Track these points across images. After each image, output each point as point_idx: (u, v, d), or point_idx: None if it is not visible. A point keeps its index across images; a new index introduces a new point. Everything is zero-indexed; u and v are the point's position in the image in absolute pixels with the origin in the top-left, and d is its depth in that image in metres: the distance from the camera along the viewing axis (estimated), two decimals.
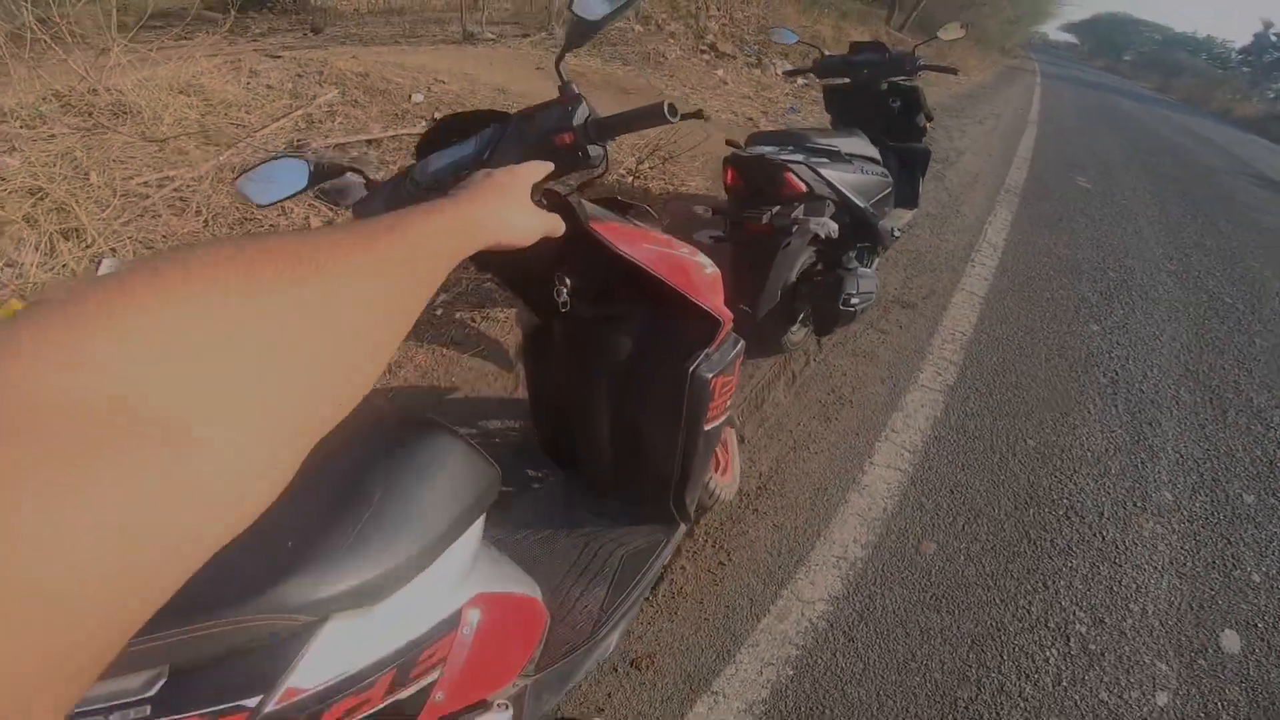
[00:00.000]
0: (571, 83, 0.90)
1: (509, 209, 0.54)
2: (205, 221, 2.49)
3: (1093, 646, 1.49)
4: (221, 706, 0.52)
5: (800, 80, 6.54)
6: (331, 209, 2.72)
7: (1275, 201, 6.94)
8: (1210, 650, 1.53)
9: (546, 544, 1.24)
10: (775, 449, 1.91)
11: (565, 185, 0.99)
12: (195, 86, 3.08)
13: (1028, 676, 1.41)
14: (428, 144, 0.99)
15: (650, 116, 0.86)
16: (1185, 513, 1.93)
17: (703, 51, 6.66)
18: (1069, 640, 1.49)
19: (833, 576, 1.57)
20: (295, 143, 2.95)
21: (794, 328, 2.21)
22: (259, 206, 1.08)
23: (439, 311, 2.28)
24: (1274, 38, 47.72)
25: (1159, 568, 1.72)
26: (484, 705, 0.79)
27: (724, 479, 1.56)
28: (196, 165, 2.62)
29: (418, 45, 5.93)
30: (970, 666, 1.41)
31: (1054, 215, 4.54)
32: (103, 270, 2.20)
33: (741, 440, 1.89)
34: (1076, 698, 1.38)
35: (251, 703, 0.53)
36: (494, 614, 0.76)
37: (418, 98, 3.73)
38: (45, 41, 2.90)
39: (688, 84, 5.93)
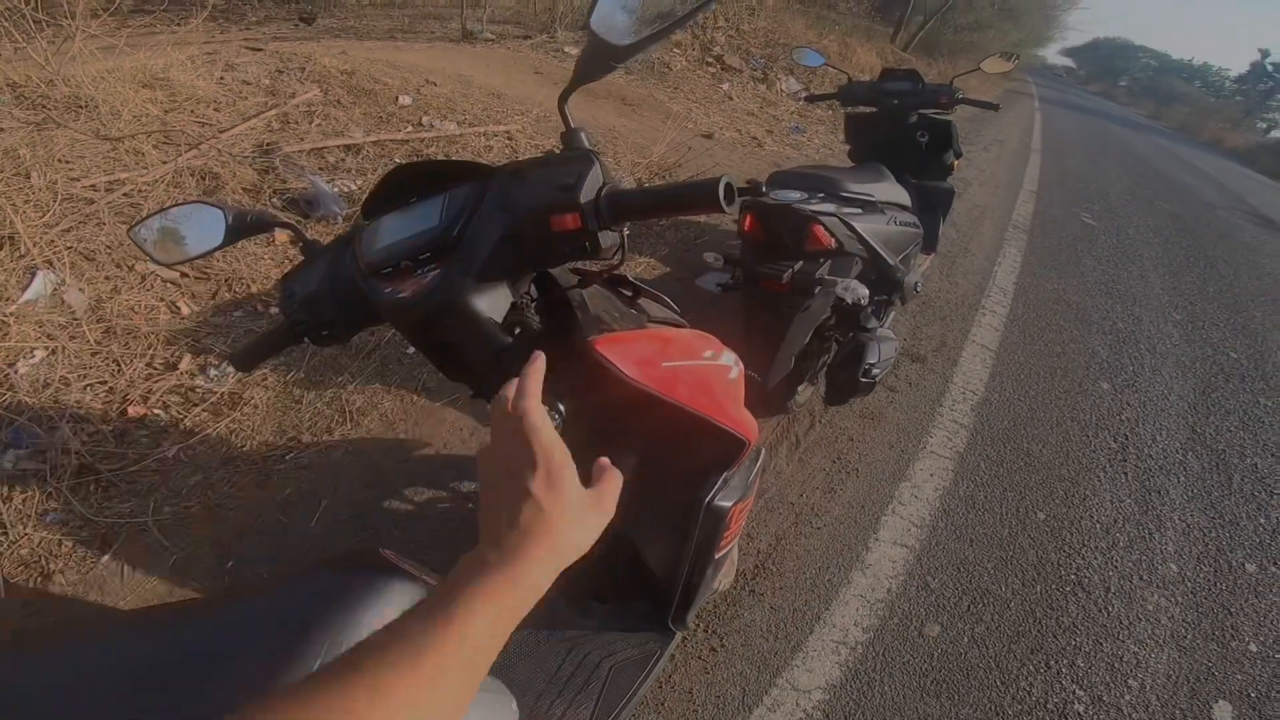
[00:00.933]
0: (581, 131, 0.68)
1: (565, 537, 0.44)
2: None
3: None
4: None
5: (815, 104, 6.41)
6: (301, 219, 2.51)
7: (1271, 241, 6.93)
8: None
9: (525, 645, 1.08)
10: (775, 524, 1.74)
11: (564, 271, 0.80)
12: (162, 80, 2.85)
13: None
14: (379, 200, 0.79)
15: (697, 198, 0.61)
16: (1189, 584, 1.86)
17: (709, 63, 6.50)
18: None
19: (831, 663, 1.45)
20: (265, 145, 2.73)
21: (801, 386, 2.03)
22: (159, 264, 0.89)
23: (410, 350, 2.08)
24: (1269, 67, 48.48)
25: (1160, 641, 1.66)
26: None
27: (723, 569, 1.39)
28: (152, 168, 2.39)
29: (414, 41, 5.73)
30: None
31: (1062, 256, 4.44)
32: (34, 287, 1.97)
33: None
34: None
35: None
36: None
37: (405, 100, 3.52)
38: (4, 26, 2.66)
39: (692, 97, 5.76)
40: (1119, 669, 1.57)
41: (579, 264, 0.76)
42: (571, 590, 1.17)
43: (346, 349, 2.05)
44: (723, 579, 1.40)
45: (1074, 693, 1.50)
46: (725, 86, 6.34)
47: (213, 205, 0.82)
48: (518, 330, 0.72)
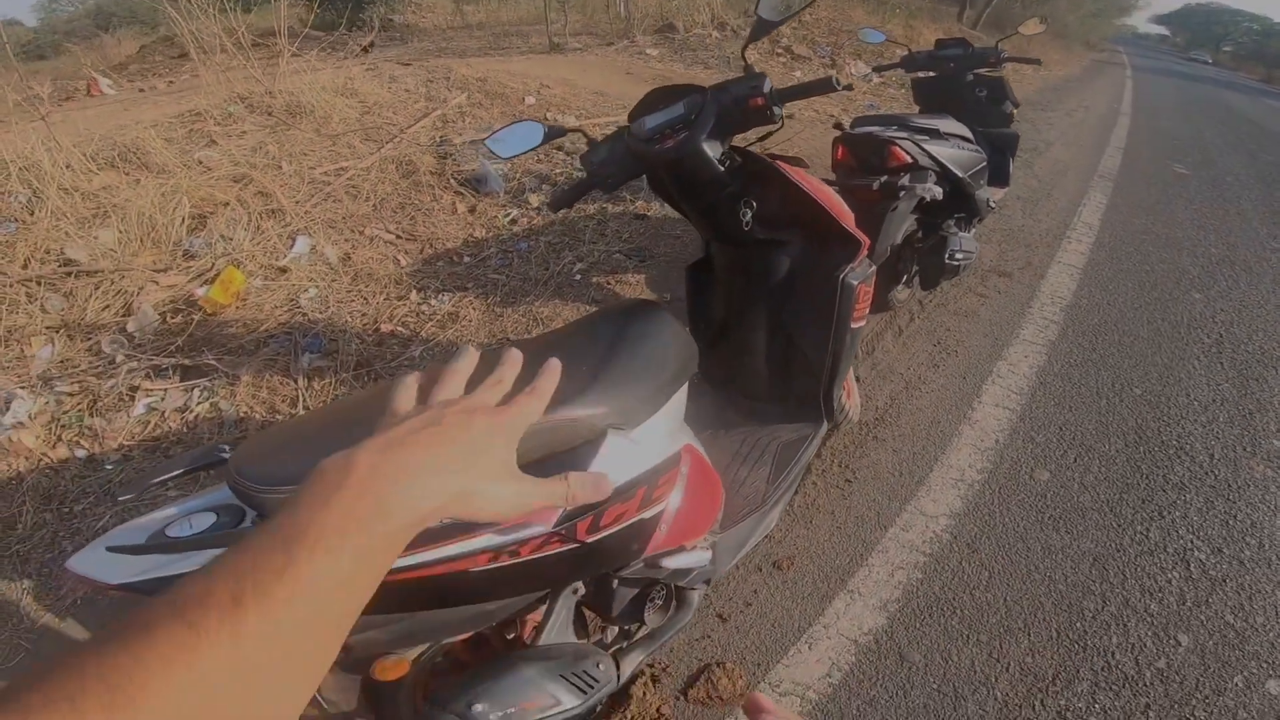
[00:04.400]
0: (754, 65, 1.19)
1: (477, 472, 0.36)
2: (374, 205, 2.93)
3: (1213, 573, 1.57)
4: None
5: (877, 79, 6.65)
6: (474, 194, 3.12)
7: None
8: None
9: (710, 442, 1.44)
10: (888, 388, 2.10)
11: (744, 140, 1.26)
12: (350, 90, 3.58)
13: (1152, 595, 1.49)
14: (640, 110, 1.26)
15: (820, 87, 1.17)
16: None
17: (779, 54, 6.89)
18: (1189, 565, 1.57)
19: (952, 496, 1.72)
20: (438, 138, 3.39)
21: (899, 287, 2.40)
22: (501, 159, 1.39)
23: (578, 277, 2.61)
24: None
25: (1274, 508, 1.77)
26: (685, 549, 1.00)
27: (850, 401, 1.77)
28: (363, 157, 3.08)
29: (508, 55, 6.43)
30: (1094, 582, 1.51)
31: (1151, 200, 4.48)
32: (296, 247, 2.64)
33: (858, 379, 2.10)
34: (1203, 618, 1.45)
35: None
36: (696, 468, 0.96)
37: (530, 100, 4.14)
38: (229, 49, 3.45)
39: None
40: (1234, 527, 1.68)
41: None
42: (741, 397, 1.56)
43: (529, 280, 2.60)
44: (853, 409, 1.77)
45: (1192, 542, 1.62)
46: (797, 74, 6.70)
47: (534, 122, 1.32)
48: (725, 164, 1.18)
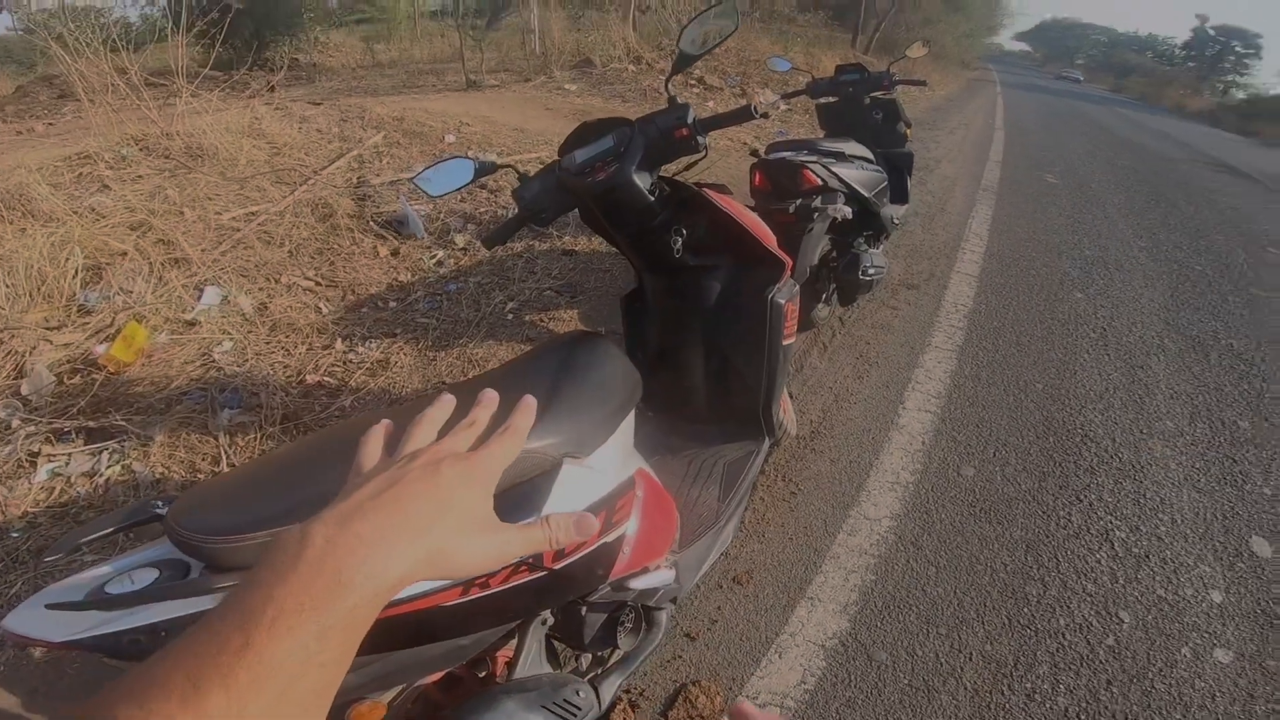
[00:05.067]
0: (677, 96, 1.26)
1: (450, 522, 0.34)
2: (290, 251, 2.81)
3: (1136, 550, 1.72)
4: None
5: (784, 106, 7.05)
6: (397, 237, 3.05)
7: (1231, 183, 7.48)
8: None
9: (659, 466, 1.43)
10: (820, 402, 2.21)
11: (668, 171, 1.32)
12: (257, 131, 3.44)
13: (1086, 575, 1.61)
14: (569, 144, 1.30)
15: (740, 115, 1.25)
16: (1188, 437, 2.20)
17: (692, 85, 7.17)
18: (1113, 544, 1.72)
19: (891, 498, 1.83)
20: (354, 180, 3.30)
21: (820, 305, 2.54)
22: (431, 197, 1.39)
23: (511, 316, 2.59)
24: (1211, 31, 50.30)
25: (1175, 483, 1.97)
26: (648, 569, 1.02)
27: (787, 417, 1.85)
28: (275, 201, 2.95)
29: (424, 93, 6.36)
30: (1032, 568, 1.62)
31: (1029, 208, 4.97)
32: (205, 298, 2.49)
33: (791, 396, 2.20)
34: (1137, 593, 1.57)
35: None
36: (650, 490, 1.00)
37: (450, 138, 4.11)
38: (120, 89, 3.23)
39: None
40: (1145, 504, 1.86)
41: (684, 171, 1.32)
42: (685, 421, 1.59)
43: (460, 322, 2.56)
44: (790, 424, 1.85)
45: (1111, 522, 1.77)
46: (710, 104, 7.00)
47: (464, 158, 1.33)
48: (654, 194, 1.24)
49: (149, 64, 4.75)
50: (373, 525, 0.31)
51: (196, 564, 0.64)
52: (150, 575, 0.64)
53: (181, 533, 0.62)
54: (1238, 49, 48.75)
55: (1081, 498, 1.88)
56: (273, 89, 5.88)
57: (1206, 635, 1.49)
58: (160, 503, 0.71)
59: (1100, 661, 1.41)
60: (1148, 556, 1.70)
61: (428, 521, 0.33)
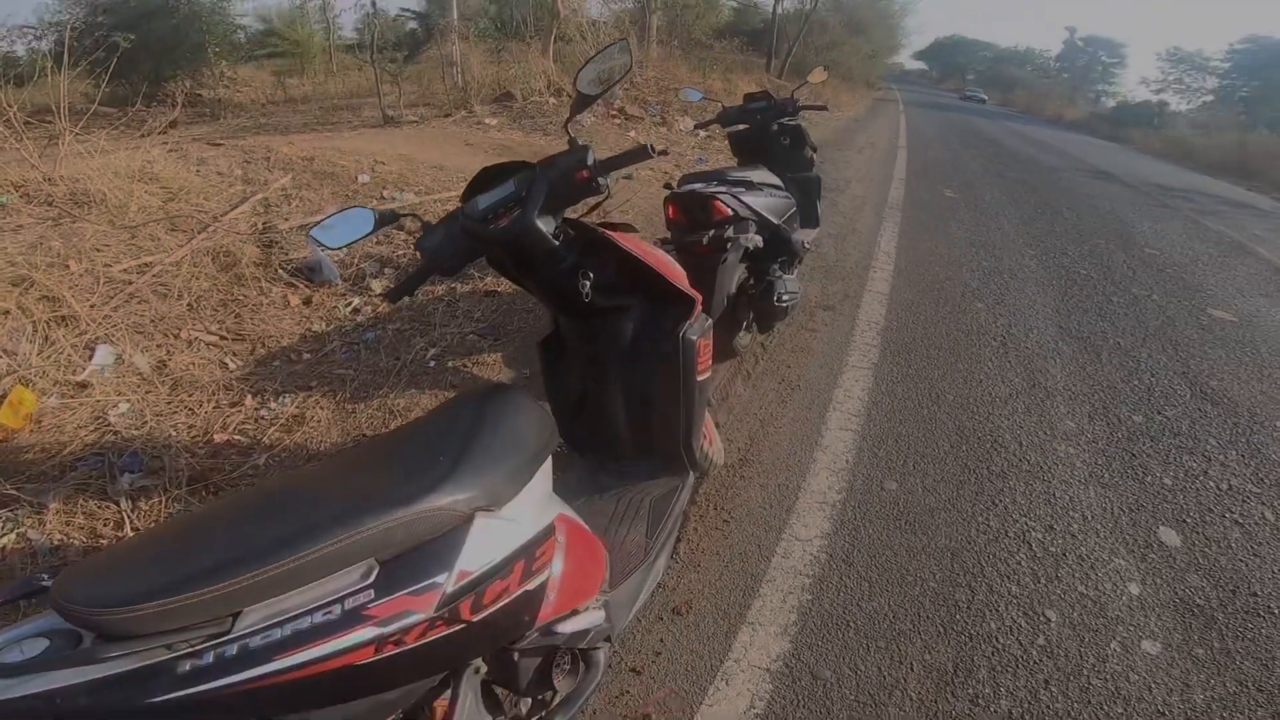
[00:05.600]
0: (577, 137, 1.29)
1: None
2: (189, 304, 2.64)
3: (1053, 549, 1.80)
4: (421, 584, 0.73)
5: (703, 133, 7.28)
6: (308, 284, 2.93)
7: (1107, 189, 8.30)
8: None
9: (586, 508, 1.44)
10: (746, 428, 2.26)
11: (574, 213, 1.34)
12: (150, 175, 3.24)
13: (1009, 578, 1.68)
14: (471, 190, 1.30)
15: (638, 155, 1.27)
16: (1088, 435, 2.34)
17: (614, 116, 7.30)
18: (1030, 545, 1.80)
19: (820, 518, 1.87)
20: (259, 226, 3.15)
21: (741, 333, 2.61)
22: (329, 249, 1.35)
23: (433, 363, 2.53)
24: (1080, 42, 55.70)
25: (1081, 480, 2.09)
26: (578, 612, 1.03)
27: (713, 448, 1.88)
28: (171, 251, 2.78)
29: (338, 131, 6.19)
30: (958, 574, 1.68)
31: (931, 223, 5.32)
32: (97, 358, 2.31)
33: (718, 425, 2.24)
34: (1060, 592, 1.64)
35: (440, 579, 0.75)
36: (573, 534, 1.01)
37: (364, 178, 4.00)
38: None
39: (605, 145, 6.48)
40: (1056, 504, 1.96)
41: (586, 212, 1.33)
42: (609, 461, 1.59)
43: (379, 372, 2.48)
44: (716, 454, 1.88)
45: (1026, 524, 1.86)
46: (632, 134, 7.14)
47: (363, 208, 1.29)
48: (559, 239, 1.25)
49: (31, 100, 4.41)
50: None
51: (88, 634, 0.65)
52: (41, 644, 0.65)
53: (66, 607, 0.63)
54: (1104, 59, 54.02)
55: (997, 502, 1.97)
56: (173, 125, 5.58)
57: (1131, 628, 1.57)
58: (45, 575, 0.71)
59: (1035, 662, 1.47)
60: (1064, 554, 1.78)
61: None
